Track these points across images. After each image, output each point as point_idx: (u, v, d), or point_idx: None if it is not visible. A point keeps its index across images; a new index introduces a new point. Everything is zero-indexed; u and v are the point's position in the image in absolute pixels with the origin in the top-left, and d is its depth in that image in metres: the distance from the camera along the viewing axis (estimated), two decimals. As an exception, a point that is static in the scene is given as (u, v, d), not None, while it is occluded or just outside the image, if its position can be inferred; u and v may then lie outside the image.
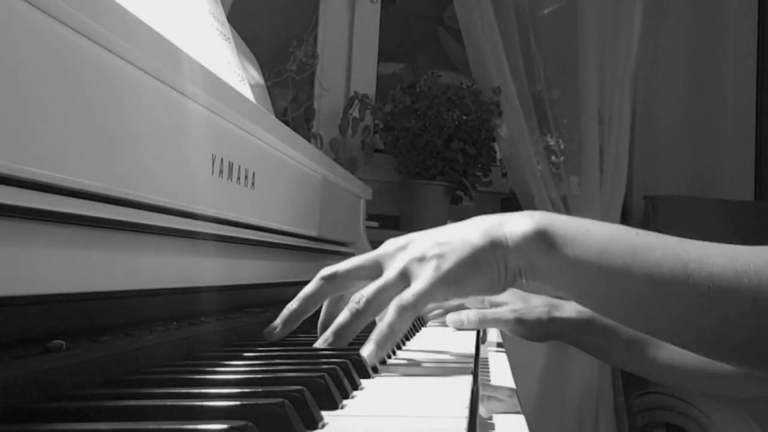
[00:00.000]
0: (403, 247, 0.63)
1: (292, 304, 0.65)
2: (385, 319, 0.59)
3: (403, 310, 0.59)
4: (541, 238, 0.60)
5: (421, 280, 0.60)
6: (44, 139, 0.40)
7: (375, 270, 0.63)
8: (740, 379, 0.84)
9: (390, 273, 0.62)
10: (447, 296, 0.62)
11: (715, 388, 0.91)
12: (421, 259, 0.61)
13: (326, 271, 0.65)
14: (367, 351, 0.57)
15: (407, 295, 0.60)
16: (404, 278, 0.61)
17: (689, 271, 0.55)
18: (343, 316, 0.61)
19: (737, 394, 0.90)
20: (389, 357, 0.63)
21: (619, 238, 0.60)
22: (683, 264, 0.56)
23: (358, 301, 0.61)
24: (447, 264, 0.60)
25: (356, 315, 0.60)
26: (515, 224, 0.61)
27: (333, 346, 0.60)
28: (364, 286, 0.63)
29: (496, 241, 0.61)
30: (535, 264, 0.60)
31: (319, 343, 0.61)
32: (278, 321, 0.64)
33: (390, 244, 0.65)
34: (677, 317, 0.58)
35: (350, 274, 0.65)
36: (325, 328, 0.63)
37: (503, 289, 0.63)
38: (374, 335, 0.58)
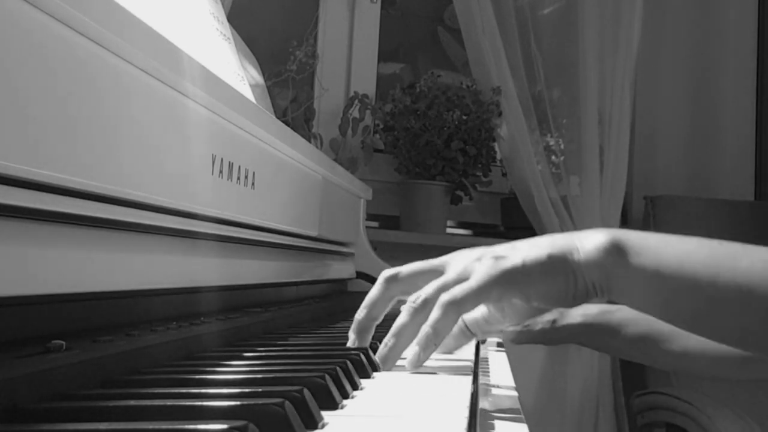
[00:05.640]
0: (471, 253, 0.61)
1: (360, 314, 0.63)
2: (429, 319, 0.57)
3: (448, 306, 0.56)
4: (616, 249, 0.57)
5: (474, 277, 0.58)
6: (44, 139, 0.40)
7: (438, 273, 0.61)
8: (762, 363, 0.81)
9: (450, 273, 0.60)
10: (503, 297, 0.59)
11: (733, 373, 0.88)
12: (482, 259, 0.59)
13: (389, 272, 0.63)
14: (410, 354, 0.55)
15: (455, 290, 0.57)
16: (463, 278, 0.58)
17: None
18: (402, 318, 0.59)
19: (756, 377, 0.86)
20: None
21: (700, 247, 0.57)
22: None
23: (415, 300, 0.59)
24: (506, 264, 0.58)
25: (414, 314, 0.58)
26: (588, 237, 0.59)
27: (393, 347, 0.58)
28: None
29: (568, 250, 0.58)
30: (611, 277, 0.57)
31: (381, 348, 0.59)
32: (352, 334, 0.63)
33: (460, 251, 0.62)
34: (762, 322, 0.55)
35: (413, 275, 0.63)
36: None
37: (575, 303, 0.59)
38: (417, 337, 0.57)
